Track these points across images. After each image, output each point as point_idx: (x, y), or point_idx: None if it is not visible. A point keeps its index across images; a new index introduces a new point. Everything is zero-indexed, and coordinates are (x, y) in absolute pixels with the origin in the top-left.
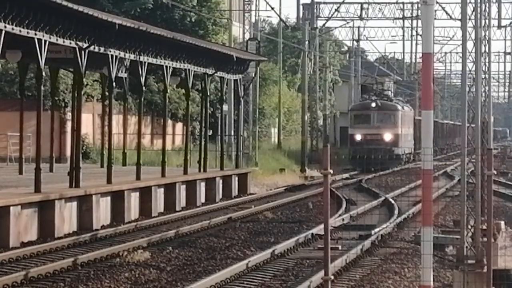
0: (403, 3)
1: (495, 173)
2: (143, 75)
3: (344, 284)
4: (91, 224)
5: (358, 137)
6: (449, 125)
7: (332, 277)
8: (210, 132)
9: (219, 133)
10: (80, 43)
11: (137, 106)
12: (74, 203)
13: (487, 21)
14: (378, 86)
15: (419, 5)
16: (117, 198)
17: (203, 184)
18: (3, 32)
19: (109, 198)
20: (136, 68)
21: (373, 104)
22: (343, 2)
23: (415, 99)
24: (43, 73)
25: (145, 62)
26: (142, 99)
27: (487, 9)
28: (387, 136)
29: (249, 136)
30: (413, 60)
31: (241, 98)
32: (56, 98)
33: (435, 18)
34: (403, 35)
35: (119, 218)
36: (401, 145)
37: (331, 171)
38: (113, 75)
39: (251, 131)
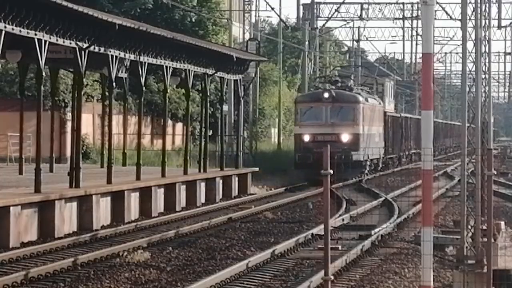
0: (403, 3)
1: (495, 173)
2: (143, 75)
3: (344, 284)
4: (91, 224)
5: (306, 137)
6: (439, 125)
7: (332, 277)
8: (210, 132)
9: (219, 133)
10: (80, 43)
11: (137, 106)
12: (74, 203)
13: (487, 21)
14: (334, 72)
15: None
16: (117, 198)
17: (203, 184)
18: (3, 32)
19: (109, 198)
20: (136, 68)
21: (326, 95)
22: (343, 3)
23: (415, 99)
24: (43, 73)
25: (145, 62)
26: (142, 99)
27: (487, 9)
28: (344, 137)
29: (249, 136)
30: (413, 60)
31: (241, 98)
32: (56, 98)
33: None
34: (403, 35)
35: (119, 218)
36: (362, 148)
37: (331, 171)
38: (113, 75)
39: (251, 131)
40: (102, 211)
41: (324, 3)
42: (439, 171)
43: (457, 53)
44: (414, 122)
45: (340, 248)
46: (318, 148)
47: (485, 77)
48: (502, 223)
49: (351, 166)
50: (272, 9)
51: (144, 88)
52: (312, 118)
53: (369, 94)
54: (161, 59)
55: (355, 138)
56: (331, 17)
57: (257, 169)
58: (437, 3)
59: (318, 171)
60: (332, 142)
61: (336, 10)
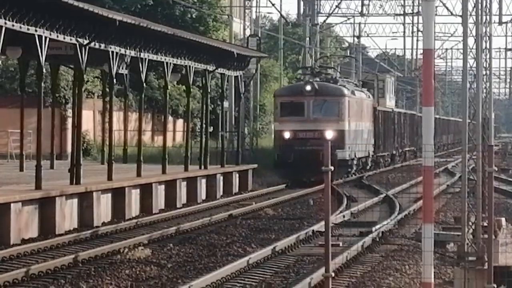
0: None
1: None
2: (144, 71)
3: (345, 281)
4: (92, 221)
5: (287, 134)
6: (407, 117)
7: (333, 274)
8: (211, 129)
9: (220, 130)
10: (80, 40)
11: (138, 102)
12: (75, 200)
13: (488, 17)
14: (317, 63)
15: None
16: (118, 195)
17: (203, 181)
18: (4, 28)
19: (109, 195)
20: (136, 64)
21: (308, 87)
22: None
23: (416, 95)
24: (44, 70)
25: (145, 59)
26: (143, 96)
27: (488, 5)
28: (329, 133)
29: (249, 133)
30: (414, 57)
31: (241, 95)
32: (57, 95)
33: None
34: (404, 32)
35: (119, 215)
36: (348, 146)
37: (332, 168)
38: (114, 72)
39: (252, 128)
40: (102, 207)
41: None
42: (440, 168)
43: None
44: (408, 118)
45: (341, 245)
46: (299, 146)
47: (486, 73)
48: (503, 219)
49: (336, 165)
50: (273, 5)
51: (144, 84)
52: (293, 113)
53: (356, 87)
54: (162, 56)
55: (340, 135)
56: (331, 13)
57: (255, 165)
58: None
59: (299, 171)
60: (315, 139)
61: (337, 6)
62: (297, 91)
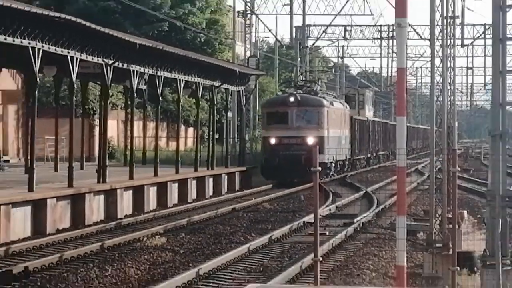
0: (380, 25)
1: (459, 170)
2: (160, 87)
3: (331, 264)
4: (116, 213)
5: (273, 140)
6: (381, 125)
7: (321, 258)
8: (216, 136)
9: (225, 136)
10: (106, 60)
11: (155, 113)
12: (102, 196)
13: (452, 40)
14: (300, 77)
15: (394, 27)
16: (138, 192)
17: (211, 180)
18: (41, 50)
19: (131, 191)
20: (153, 81)
21: (291, 99)
22: (329, 25)
23: (391, 107)
24: (75, 86)
25: (161, 76)
26: (159, 108)
27: (452, 30)
28: (310, 140)
29: (250, 139)
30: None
31: (243, 107)
32: (86, 107)
33: (408, 38)
34: (381, 53)
35: (139, 208)
36: (327, 150)
37: (319, 169)
38: (134, 87)
39: (252, 135)
40: (125, 202)
41: (314, 25)
42: (411, 168)
43: (426, 68)
44: (381, 126)
45: (327, 234)
46: (284, 150)
47: (450, 88)
48: (465, 212)
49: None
50: (270, 30)
51: (160, 98)
52: (278, 122)
53: (335, 98)
54: (175, 73)
55: (320, 140)
56: (319, 37)
57: (255, 166)
58: (409, 25)
59: (283, 172)
60: (297, 144)
61: (323, 32)
62: (282, 102)
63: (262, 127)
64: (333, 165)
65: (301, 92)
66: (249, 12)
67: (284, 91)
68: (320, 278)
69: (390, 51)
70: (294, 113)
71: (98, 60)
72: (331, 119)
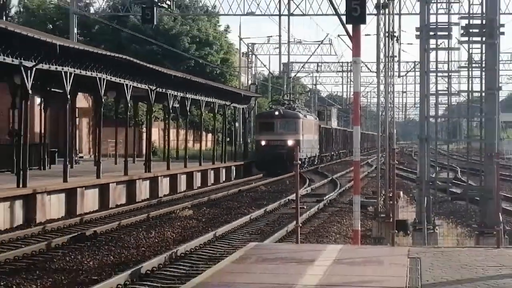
0: (342, 62)
1: (397, 163)
2: (188, 105)
3: (308, 229)
4: (158, 193)
5: (263, 142)
6: (341, 131)
7: (301, 225)
8: (228, 139)
9: (233, 140)
10: (150, 87)
11: (184, 124)
12: (147, 182)
13: (391, 72)
14: (284, 97)
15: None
16: (173, 178)
17: (224, 170)
18: (105, 80)
19: (168, 178)
20: (184, 101)
21: (276, 112)
22: (306, 62)
23: (349, 119)
24: (129, 105)
25: (189, 98)
26: (187, 120)
27: (391, 65)
28: (290, 142)
29: (251, 142)
30: (348, 96)
31: (246, 119)
32: (136, 119)
33: (361, 71)
34: (342, 81)
35: (174, 190)
36: (302, 149)
37: (300, 162)
38: (170, 106)
39: (252, 138)
40: (164, 186)
41: (295, 62)
42: (363, 162)
43: (374, 92)
44: (341, 132)
45: (305, 208)
46: (271, 150)
47: (390, 106)
48: (401, 192)
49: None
50: (265, 66)
51: (188, 113)
52: (267, 129)
53: (308, 112)
54: (199, 96)
55: (297, 143)
56: (299, 70)
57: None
58: (362, 62)
59: (271, 167)
60: (281, 146)
61: (302, 67)
62: (270, 115)
63: (255, 133)
64: (307, 160)
65: (284, 107)
66: (250, 53)
67: (271, 107)
68: (300, 238)
69: (349, 80)
70: (279, 123)
71: (145, 86)
72: (305, 127)
